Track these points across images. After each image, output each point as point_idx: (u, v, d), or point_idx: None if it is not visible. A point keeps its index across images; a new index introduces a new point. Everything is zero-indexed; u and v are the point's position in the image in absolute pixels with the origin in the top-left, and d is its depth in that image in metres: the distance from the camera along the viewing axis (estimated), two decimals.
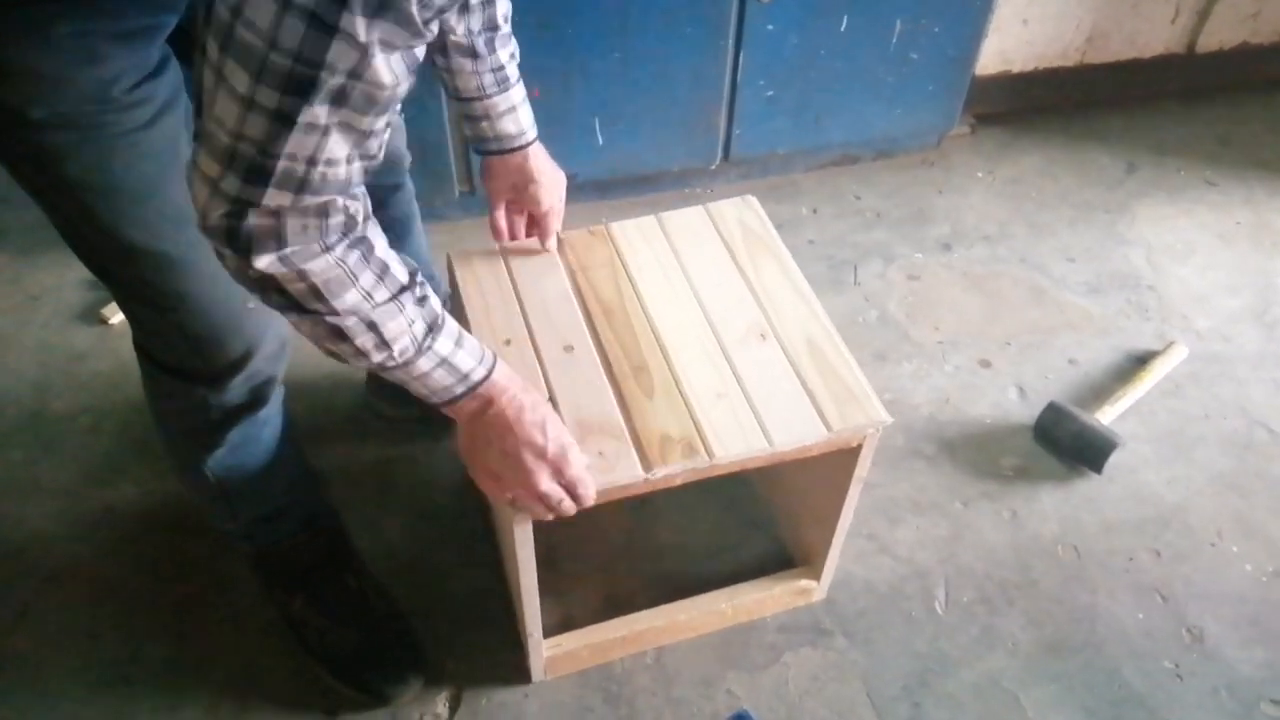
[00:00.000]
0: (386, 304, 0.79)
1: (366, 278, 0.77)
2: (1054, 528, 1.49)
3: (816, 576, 1.36)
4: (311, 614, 1.29)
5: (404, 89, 0.66)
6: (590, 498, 0.99)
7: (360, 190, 0.75)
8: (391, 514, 1.50)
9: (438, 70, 1.11)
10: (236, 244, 0.70)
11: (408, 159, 1.29)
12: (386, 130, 0.71)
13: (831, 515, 1.26)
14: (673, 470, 1.05)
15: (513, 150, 1.16)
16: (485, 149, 1.17)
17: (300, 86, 0.62)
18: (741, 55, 1.79)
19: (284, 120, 0.63)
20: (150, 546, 1.45)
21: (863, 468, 1.17)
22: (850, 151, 2.11)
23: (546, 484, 0.95)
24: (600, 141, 1.85)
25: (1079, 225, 2.01)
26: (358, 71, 0.62)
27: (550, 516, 1.00)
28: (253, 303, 0.96)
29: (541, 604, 1.38)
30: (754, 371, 1.14)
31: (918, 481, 1.55)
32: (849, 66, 1.87)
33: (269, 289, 0.74)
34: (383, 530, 1.47)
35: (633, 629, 1.31)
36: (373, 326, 0.79)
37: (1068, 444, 1.56)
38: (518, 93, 1.13)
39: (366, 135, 0.68)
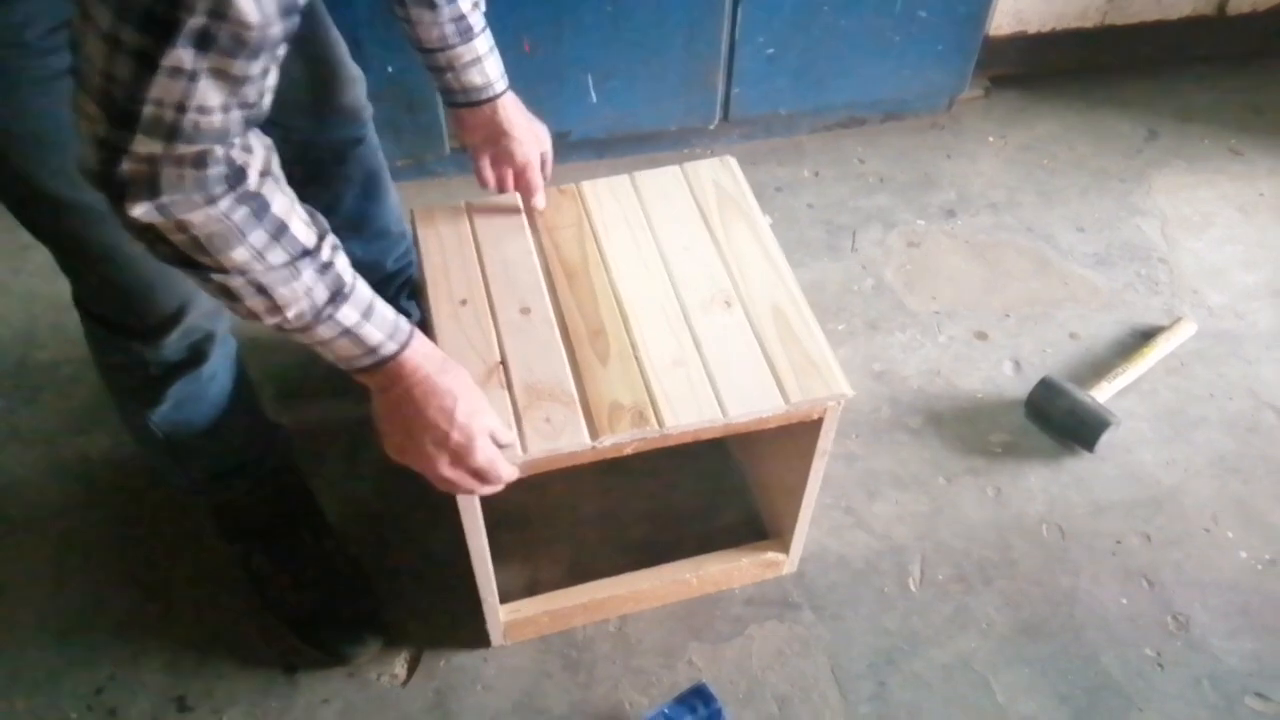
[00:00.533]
0: (281, 268, 0.75)
1: (257, 236, 0.73)
2: (1039, 507, 1.45)
3: (785, 549, 1.33)
4: (269, 569, 1.29)
5: (278, 30, 0.63)
6: (500, 484, 0.96)
7: (254, 143, 0.72)
8: (364, 471, 1.48)
9: (399, 20, 1.07)
10: (111, 189, 0.68)
11: (368, 110, 1.25)
12: (267, 77, 0.67)
13: (799, 488, 1.22)
14: (621, 439, 1.02)
15: (480, 102, 1.13)
16: (453, 101, 1.14)
17: (161, 26, 0.59)
18: (739, 10, 1.73)
19: (147, 62, 0.60)
20: (121, 497, 1.45)
21: (825, 440, 1.13)
22: (856, 113, 2.04)
23: (448, 470, 0.92)
24: (594, 99, 1.80)
25: (1091, 194, 1.93)
26: (219, 10, 0.58)
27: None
28: None
29: (507, 567, 1.37)
30: (715, 339, 1.10)
31: (900, 455, 1.51)
32: (853, 24, 1.80)
33: (152, 239, 0.72)
34: (354, 487, 1.46)
35: (594, 597, 1.29)
36: (263, 290, 0.76)
37: (1060, 421, 1.50)
38: (483, 43, 1.09)
39: (242, 82, 0.64)
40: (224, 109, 0.65)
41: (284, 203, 0.74)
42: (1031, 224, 1.87)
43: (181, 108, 0.63)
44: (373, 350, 0.84)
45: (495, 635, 1.28)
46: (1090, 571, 1.37)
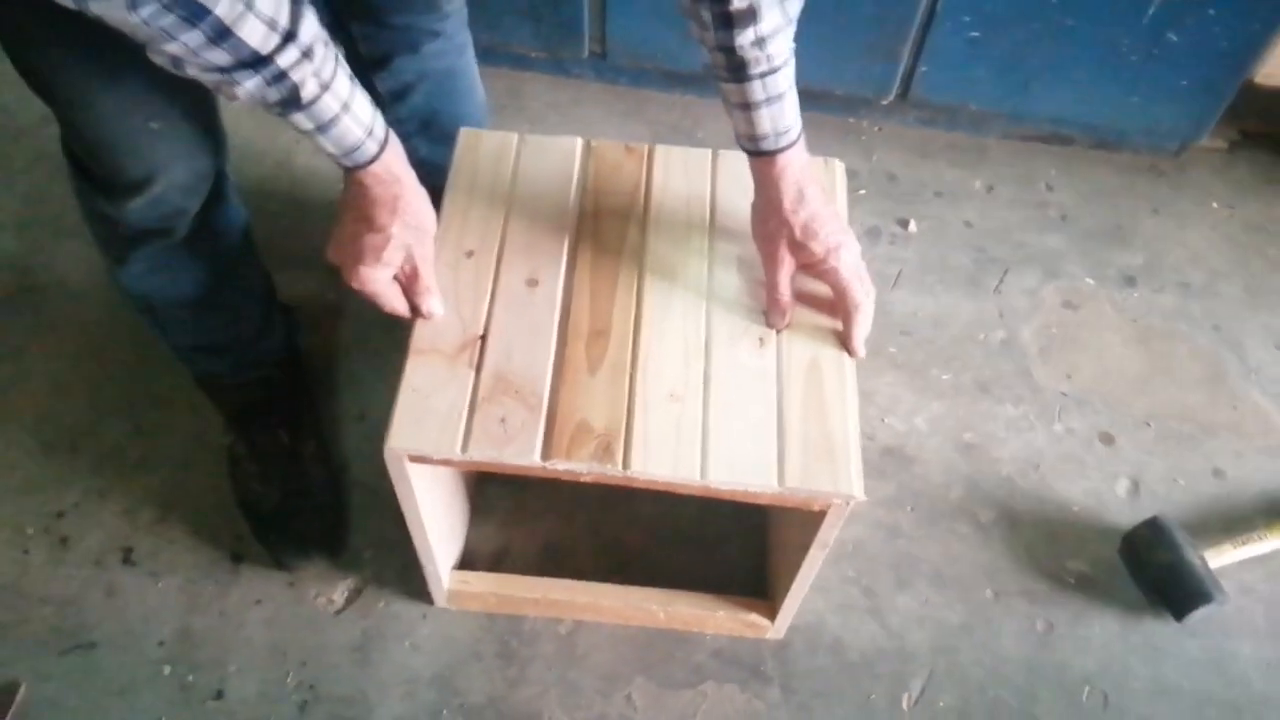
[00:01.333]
0: (224, 71, 0.68)
1: (191, 37, 0.64)
2: (1090, 664, 1.21)
3: (772, 616, 1.17)
4: (242, 451, 1.24)
5: None
6: (379, 306, 0.92)
7: None
8: (385, 375, 1.39)
9: None
10: None
11: (453, 3, 1.10)
12: None
13: (797, 564, 1.04)
14: (575, 467, 0.87)
15: (754, 155, 0.91)
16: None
17: None
18: None
19: None
20: None
21: (827, 534, 0.94)
22: (1062, 130, 1.72)
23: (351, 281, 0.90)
24: None
25: None
26: None
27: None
28: (156, 124, 0.85)
29: (484, 524, 1.29)
30: (728, 382, 0.92)
31: (953, 548, 1.29)
32: (1083, 26, 1.49)
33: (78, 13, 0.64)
34: (366, 390, 1.38)
35: (548, 594, 1.17)
36: (204, 80, 0.70)
37: (1154, 574, 1.24)
38: (756, 90, 0.84)
39: None
40: None
41: (230, 5, 0.64)
42: (1222, 322, 1.54)
43: None
44: (328, 155, 0.80)
45: (438, 598, 1.19)
46: None
